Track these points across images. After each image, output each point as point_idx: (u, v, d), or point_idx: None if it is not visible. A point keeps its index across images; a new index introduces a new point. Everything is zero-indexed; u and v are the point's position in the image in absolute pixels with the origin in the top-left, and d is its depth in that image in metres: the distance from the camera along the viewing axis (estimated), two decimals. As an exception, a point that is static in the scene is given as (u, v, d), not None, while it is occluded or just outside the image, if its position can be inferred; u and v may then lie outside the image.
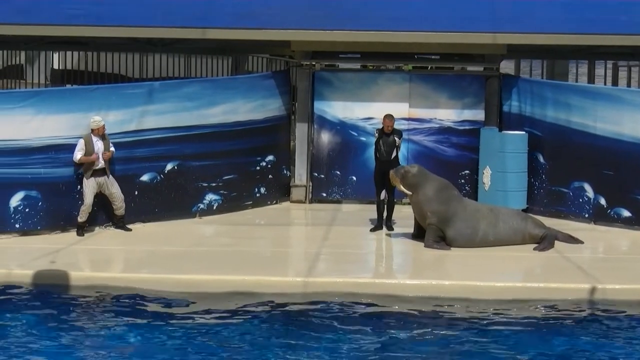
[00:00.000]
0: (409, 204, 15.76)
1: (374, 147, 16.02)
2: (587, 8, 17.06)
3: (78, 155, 15.14)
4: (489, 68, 18.56)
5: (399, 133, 15.90)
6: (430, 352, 10.59)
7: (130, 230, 15.69)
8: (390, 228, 15.92)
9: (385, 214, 15.94)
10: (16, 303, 12.13)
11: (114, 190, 15.46)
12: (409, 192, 14.95)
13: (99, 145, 15.23)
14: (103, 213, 15.71)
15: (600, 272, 13.24)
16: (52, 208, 15.28)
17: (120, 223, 15.71)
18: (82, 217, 15.28)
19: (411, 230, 15.39)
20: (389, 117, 15.78)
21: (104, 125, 15.31)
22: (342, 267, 13.63)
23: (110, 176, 15.42)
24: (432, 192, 14.84)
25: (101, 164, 15.26)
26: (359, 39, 17.48)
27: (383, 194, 15.83)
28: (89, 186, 15.21)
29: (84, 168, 15.21)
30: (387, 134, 15.74)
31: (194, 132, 16.83)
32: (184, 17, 17.21)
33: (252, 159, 17.89)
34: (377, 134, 15.92)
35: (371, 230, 15.93)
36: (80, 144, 15.16)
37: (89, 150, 15.15)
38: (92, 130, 15.23)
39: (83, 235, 15.27)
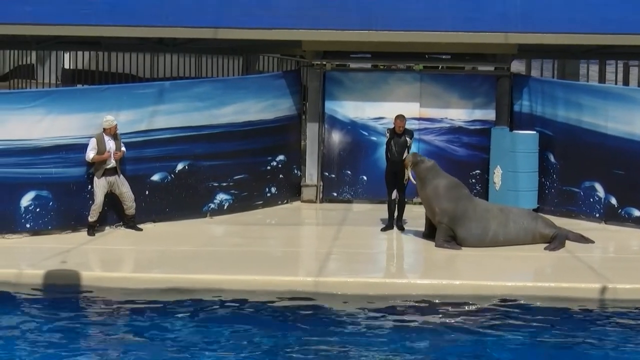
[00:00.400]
0: (420, 203, 15.78)
1: (385, 147, 16.02)
2: (598, 8, 17.02)
3: (91, 154, 15.16)
4: (500, 68, 18.52)
5: (410, 133, 15.90)
6: (441, 351, 10.60)
7: (141, 230, 15.71)
8: (401, 228, 15.91)
9: (396, 213, 15.94)
10: (27, 303, 12.16)
11: (125, 190, 15.48)
12: (414, 181, 15.01)
13: (110, 144, 15.25)
14: (114, 213, 15.72)
15: (611, 272, 13.23)
16: (63, 208, 15.31)
17: (131, 223, 15.72)
18: (92, 217, 15.29)
19: (422, 229, 15.39)
20: (400, 118, 15.78)
21: (116, 124, 15.34)
22: (353, 267, 13.63)
23: (121, 175, 15.44)
24: (442, 189, 14.85)
25: (112, 163, 15.28)
26: (369, 39, 17.46)
27: (394, 194, 15.83)
28: (100, 186, 15.22)
29: (95, 167, 15.23)
30: (399, 134, 15.74)
31: (204, 132, 16.82)
32: (195, 17, 17.23)
33: (262, 159, 17.88)
34: (388, 134, 15.91)
35: (382, 230, 15.92)
36: (92, 143, 15.17)
37: (101, 149, 15.17)
38: (105, 130, 15.25)
39: (94, 235, 15.29)
